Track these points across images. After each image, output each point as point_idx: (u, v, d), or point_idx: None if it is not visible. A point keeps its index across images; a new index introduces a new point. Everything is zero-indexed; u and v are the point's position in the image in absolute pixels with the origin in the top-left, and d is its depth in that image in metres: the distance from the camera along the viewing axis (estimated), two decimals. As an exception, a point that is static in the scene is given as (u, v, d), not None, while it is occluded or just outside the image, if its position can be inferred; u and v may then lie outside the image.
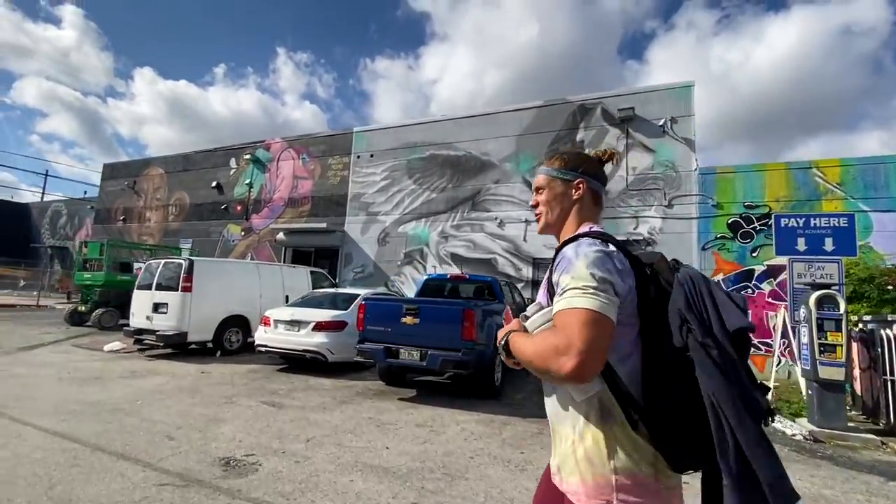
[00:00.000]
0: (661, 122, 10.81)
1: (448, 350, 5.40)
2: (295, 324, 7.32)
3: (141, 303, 8.72)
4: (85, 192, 33.97)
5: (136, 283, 9.09)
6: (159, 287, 8.55)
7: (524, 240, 12.03)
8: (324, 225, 14.22)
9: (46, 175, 38.22)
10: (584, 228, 1.17)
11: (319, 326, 7.14)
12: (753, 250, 9.80)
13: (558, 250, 1.09)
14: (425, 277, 8.07)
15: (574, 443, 1.04)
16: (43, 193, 35.97)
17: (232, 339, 8.98)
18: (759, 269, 9.72)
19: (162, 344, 8.38)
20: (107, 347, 9.20)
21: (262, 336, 7.52)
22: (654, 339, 1.01)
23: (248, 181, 16.90)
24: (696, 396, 0.93)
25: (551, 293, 1.08)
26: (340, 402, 5.55)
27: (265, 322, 7.58)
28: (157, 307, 8.46)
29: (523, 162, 12.40)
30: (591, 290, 0.95)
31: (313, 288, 10.88)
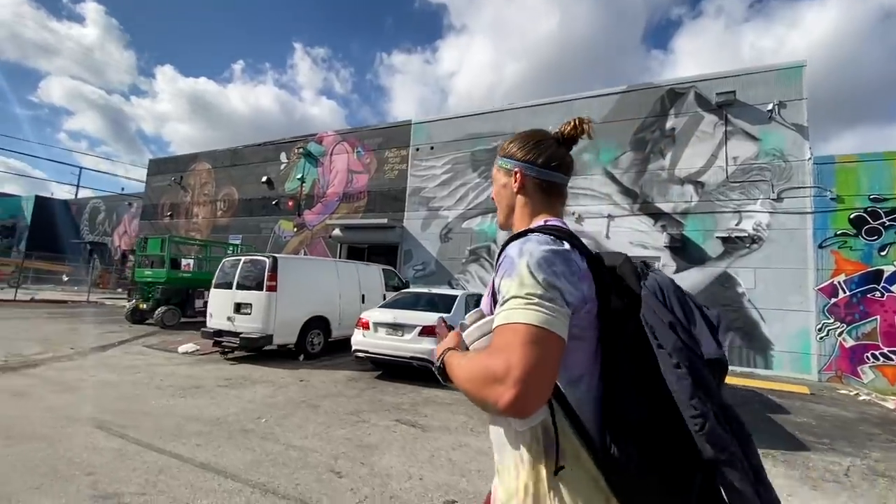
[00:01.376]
0: (768, 108, 9.81)
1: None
2: (398, 327, 6.68)
3: (220, 303, 8.20)
4: (122, 189, 34.26)
5: (214, 281, 8.57)
6: (240, 286, 8.02)
7: (607, 236, 11.20)
8: (384, 221, 13.60)
9: (80, 171, 38.72)
10: (538, 223, 0.99)
11: (427, 331, 6.48)
12: (882, 248, 8.78)
13: (503, 247, 0.90)
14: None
15: (517, 477, 0.87)
16: (77, 189, 36.45)
17: (314, 342, 8.41)
18: (888, 269, 8.71)
19: (244, 347, 7.84)
20: (181, 349, 8.74)
21: (360, 340, 6.89)
22: (615, 359, 0.83)
23: (299, 176, 16.41)
24: (666, 431, 0.77)
25: (495, 299, 0.88)
26: (484, 422, 4.87)
27: (363, 325, 6.96)
28: (238, 307, 7.92)
29: (603, 153, 11.54)
30: (536, 300, 0.76)
31: (385, 287, 10.28)
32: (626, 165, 11.25)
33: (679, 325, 0.83)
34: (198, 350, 8.72)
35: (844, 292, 8.95)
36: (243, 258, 8.33)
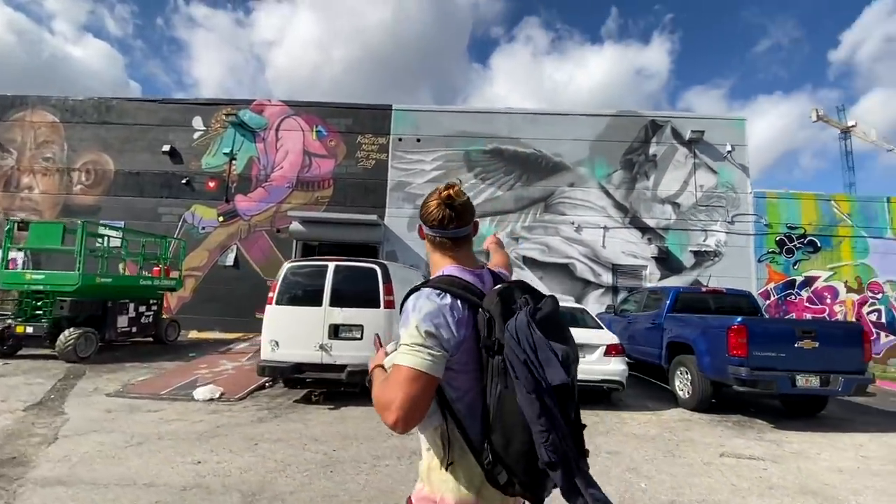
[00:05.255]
0: (727, 149, 12.31)
1: (853, 373, 5.35)
2: (580, 348, 6.09)
3: (303, 325, 5.99)
4: None
5: (275, 295, 6.13)
6: (337, 301, 6.01)
7: (603, 246, 12.26)
8: (367, 216, 11.82)
9: None
10: (438, 272, 1.21)
11: (613, 350, 6.12)
12: (794, 263, 12.06)
13: (405, 299, 1.12)
14: (674, 289, 7.57)
15: (425, 462, 1.17)
16: None
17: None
18: (798, 279, 12.02)
19: (352, 383, 5.90)
20: (199, 395, 6.07)
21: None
22: (489, 382, 1.05)
23: (227, 150, 12.84)
24: (522, 429, 0.99)
25: None
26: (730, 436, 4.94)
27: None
28: (337, 331, 5.95)
29: (598, 168, 12.57)
30: (418, 347, 1.01)
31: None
32: (618, 182, 12.52)
33: (530, 362, 0.98)
34: (223, 394, 6.20)
35: (774, 296, 11.96)
36: (333, 264, 6.25)
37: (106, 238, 9.25)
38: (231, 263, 12.42)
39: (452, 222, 1.20)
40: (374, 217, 11.87)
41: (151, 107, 13.27)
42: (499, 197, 12.52)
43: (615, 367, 6.06)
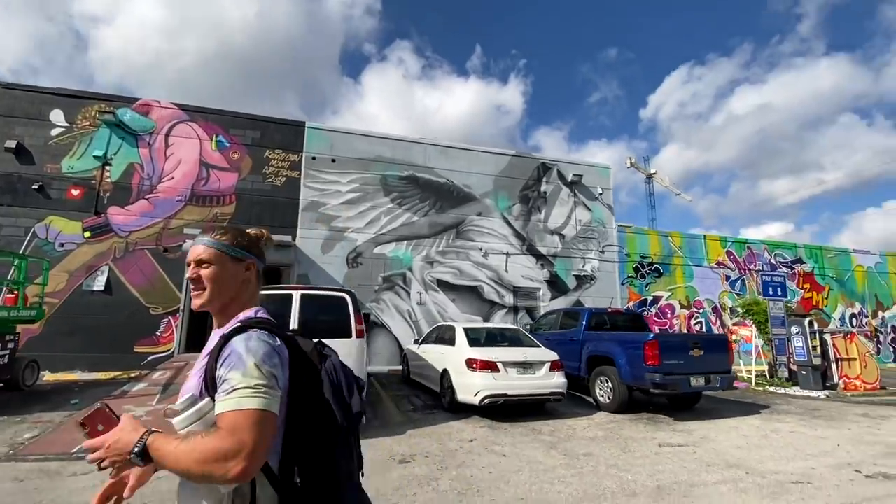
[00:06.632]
0: (599, 191, 14.88)
1: (724, 373, 7.12)
2: (528, 366, 6.86)
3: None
4: None
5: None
6: (305, 332, 5.75)
7: (506, 270, 13.58)
8: (288, 238, 11.14)
9: None
10: (249, 313, 1.19)
11: (555, 366, 7.03)
12: (646, 286, 15.03)
13: (225, 340, 1.06)
14: (587, 310, 8.80)
15: None
16: None
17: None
18: (649, 298, 14.98)
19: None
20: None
21: (492, 384, 6.52)
22: (303, 420, 1.09)
23: (99, 153, 10.82)
24: (324, 463, 1.10)
25: (209, 383, 1.06)
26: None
27: (489, 367, 6.61)
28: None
29: (501, 200, 13.98)
30: (263, 389, 0.98)
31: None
32: (517, 214, 14.08)
33: (341, 393, 1.17)
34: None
35: (633, 312, 14.67)
36: (297, 292, 5.95)
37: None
38: (101, 288, 10.39)
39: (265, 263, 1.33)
40: (288, 238, 11.26)
41: (-13, 90, 10.52)
42: (415, 222, 12.98)
43: (559, 381, 6.98)
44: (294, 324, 5.76)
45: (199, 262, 1.22)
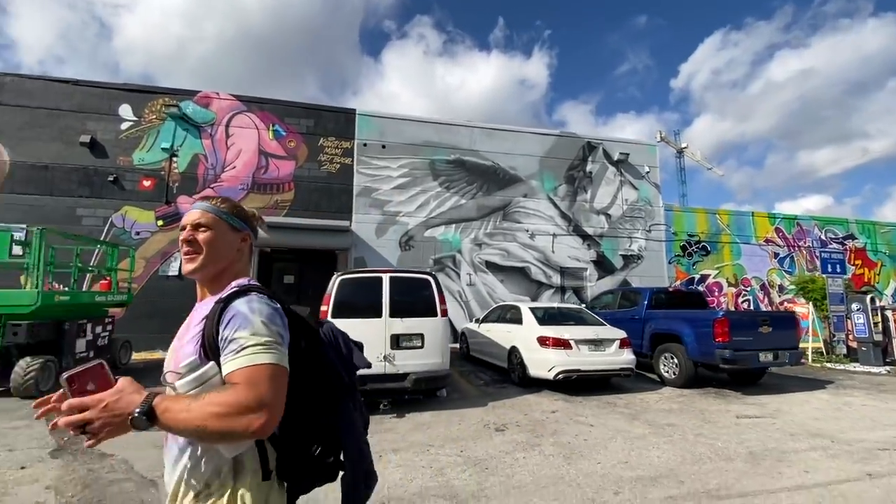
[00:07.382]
0: (645, 170, 14.73)
1: (793, 349, 7.22)
2: (599, 343, 7.10)
3: (364, 337, 5.93)
4: None
5: (333, 308, 5.96)
6: (396, 312, 6.13)
7: (552, 251, 13.71)
8: (346, 223, 11.56)
9: None
10: (242, 281, 1.18)
11: (624, 343, 7.25)
12: (694, 264, 14.95)
13: (225, 303, 1.06)
14: (649, 289, 8.99)
15: (221, 487, 1.03)
16: None
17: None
18: (696, 276, 14.92)
19: (417, 391, 6.07)
20: None
21: (566, 360, 6.80)
22: (303, 385, 1.09)
23: (166, 146, 11.38)
24: (324, 424, 1.15)
25: (208, 347, 1.05)
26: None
27: (562, 344, 6.88)
28: (398, 340, 6.07)
29: (546, 181, 14.03)
30: (273, 345, 1.00)
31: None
32: (563, 195, 14.12)
33: (341, 353, 1.26)
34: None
35: (680, 291, 14.66)
36: (386, 275, 6.31)
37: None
38: (175, 273, 11.06)
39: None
40: (346, 223, 11.67)
41: (61, 88, 11.13)
42: (463, 205, 13.21)
43: (628, 357, 7.20)
44: (386, 303, 6.12)
45: (197, 226, 1.18)
